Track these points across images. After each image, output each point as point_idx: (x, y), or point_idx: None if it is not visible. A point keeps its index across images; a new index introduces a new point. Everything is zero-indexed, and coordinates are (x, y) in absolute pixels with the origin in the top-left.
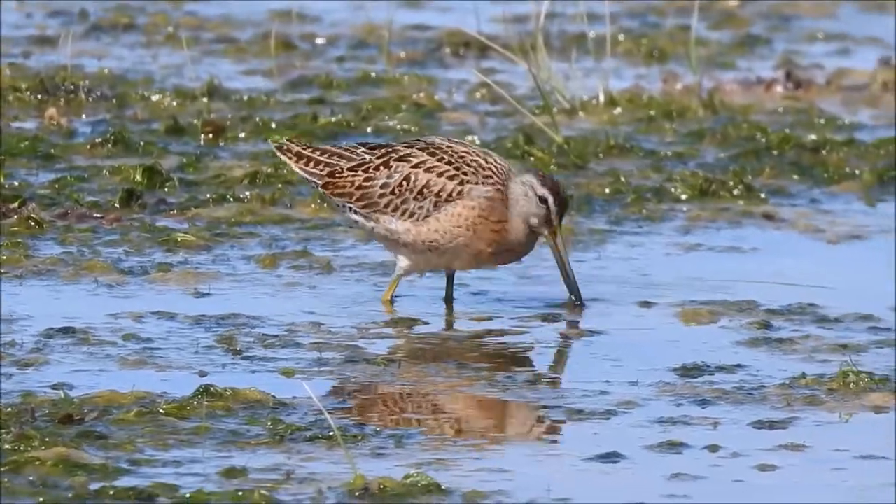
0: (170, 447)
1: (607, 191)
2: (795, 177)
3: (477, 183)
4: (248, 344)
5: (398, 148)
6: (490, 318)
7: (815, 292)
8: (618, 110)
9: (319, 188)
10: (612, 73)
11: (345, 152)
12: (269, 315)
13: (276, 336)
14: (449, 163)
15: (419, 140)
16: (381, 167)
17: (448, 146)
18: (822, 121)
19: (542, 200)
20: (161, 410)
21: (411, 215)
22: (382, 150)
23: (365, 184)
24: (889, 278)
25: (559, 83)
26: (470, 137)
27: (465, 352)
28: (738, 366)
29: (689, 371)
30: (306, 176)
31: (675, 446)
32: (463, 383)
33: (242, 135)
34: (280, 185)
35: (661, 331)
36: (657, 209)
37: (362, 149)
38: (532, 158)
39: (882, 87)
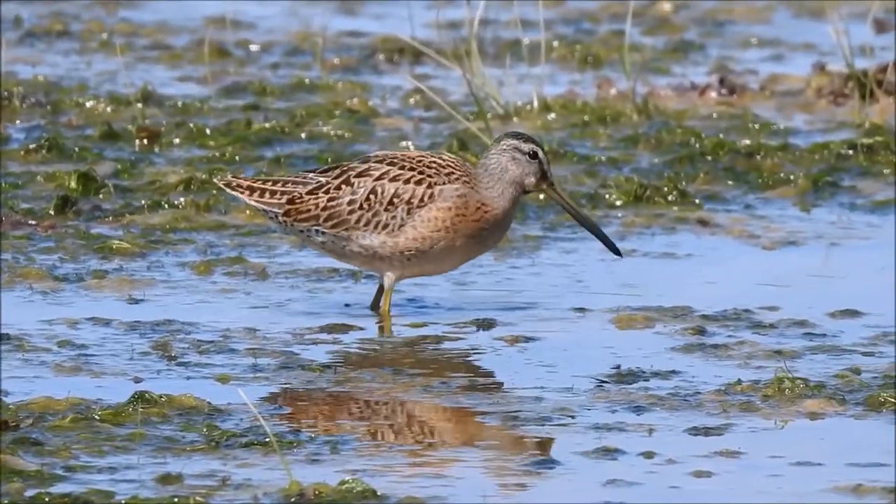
0: (105, 453)
1: (541, 197)
2: (730, 182)
3: (444, 183)
4: (182, 350)
5: (353, 165)
6: (425, 325)
7: (750, 298)
8: (552, 116)
9: (280, 217)
10: (546, 78)
11: (297, 179)
12: (204, 321)
13: (211, 342)
14: (411, 168)
15: (369, 156)
16: (343, 185)
17: (402, 155)
18: (757, 126)
19: (533, 155)
20: (96, 417)
21: (385, 227)
22: (337, 171)
23: (330, 203)
24: (824, 284)
25: (493, 89)
26: (404, 143)
27: (400, 358)
28: (674, 372)
29: (625, 377)
30: (264, 208)
31: (610, 453)
32: (398, 389)
33: (177, 141)
34: (215, 192)
35: (596, 337)
36: (591, 215)
37: (311, 174)
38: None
39: (816, 93)
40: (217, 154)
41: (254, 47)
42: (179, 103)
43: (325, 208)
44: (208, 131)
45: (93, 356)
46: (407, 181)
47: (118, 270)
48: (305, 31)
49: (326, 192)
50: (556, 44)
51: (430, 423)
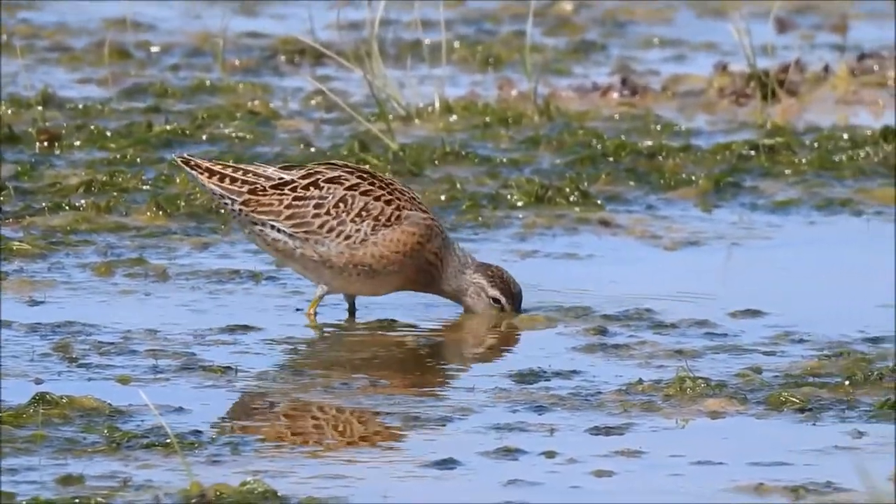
0: (5, 455)
1: (443, 198)
2: (632, 183)
3: (412, 209)
4: (83, 352)
5: (319, 169)
6: (325, 326)
7: (652, 298)
8: (453, 117)
9: (236, 205)
10: (447, 80)
11: (257, 170)
12: (105, 323)
13: (112, 343)
14: (381, 187)
15: (335, 163)
16: (311, 187)
17: (373, 171)
18: (659, 127)
19: (496, 301)
20: None
21: (347, 237)
22: (304, 171)
23: (295, 203)
24: (725, 284)
25: (394, 90)
26: (303, 146)
27: (301, 359)
28: (575, 372)
29: (526, 377)
30: (220, 192)
31: (511, 453)
32: (299, 390)
33: (77, 143)
34: (115, 194)
35: (497, 337)
36: (493, 216)
37: (272, 168)
38: (368, 166)
39: (718, 93)
40: (118, 156)
41: (154, 49)
42: (80, 105)
43: (288, 206)
44: (109, 133)
45: None
46: (377, 198)
47: (18, 272)
48: (206, 33)
49: (293, 190)
50: (457, 45)
51: (330, 423)
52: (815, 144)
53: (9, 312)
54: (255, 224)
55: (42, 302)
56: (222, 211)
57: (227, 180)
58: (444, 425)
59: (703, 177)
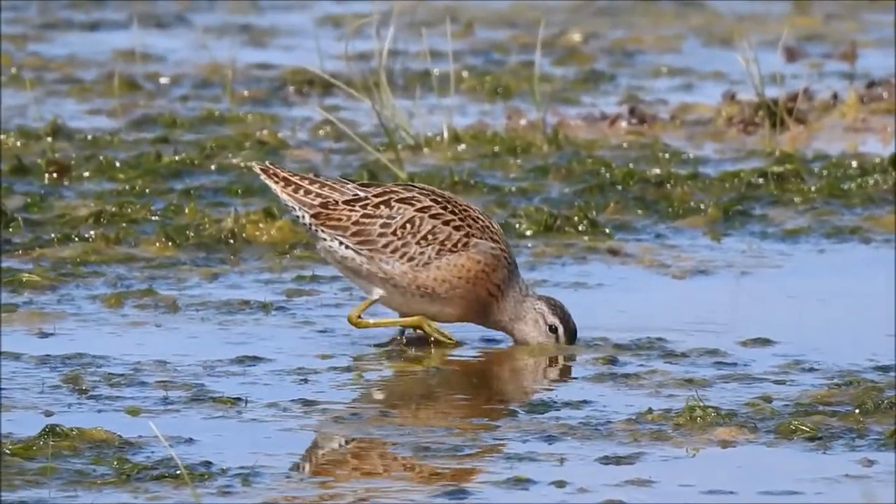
0: (16, 487)
1: None
2: (640, 212)
3: (481, 238)
4: (93, 383)
5: (395, 189)
6: (333, 356)
7: (662, 327)
8: (462, 147)
9: (307, 218)
10: (456, 109)
11: (334, 185)
12: (115, 354)
13: (122, 375)
14: (453, 213)
15: (413, 185)
16: (382, 206)
17: (450, 196)
18: (667, 155)
19: (553, 329)
20: (7, 451)
21: (410, 259)
22: (379, 189)
23: (363, 220)
24: (735, 313)
25: (403, 120)
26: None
27: (311, 389)
28: (585, 401)
29: (536, 407)
30: (293, 203)
31: (521, 482)
32: (310, 420)
33: (87, 174)
34: (125, 224)
35: (508, 366)
36: None
37: (352, 185)
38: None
39: (726, 122)
40: (127, 187)
41: (163, 80)
42: (89, 136)
43: (356, 222)
44: (118, 164)
45: (3, 390)
46: (447, 222)
47: (28, 304)
48: (215, 64)
49: (363, 207)
50: (465, 74)
51: (341, 454)
52: (824, 172)
53: (19, 344)
54: (325, 239)
55: (52, 334)
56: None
57: (301, 192)
58: (454, 455)
59: (712, 205)
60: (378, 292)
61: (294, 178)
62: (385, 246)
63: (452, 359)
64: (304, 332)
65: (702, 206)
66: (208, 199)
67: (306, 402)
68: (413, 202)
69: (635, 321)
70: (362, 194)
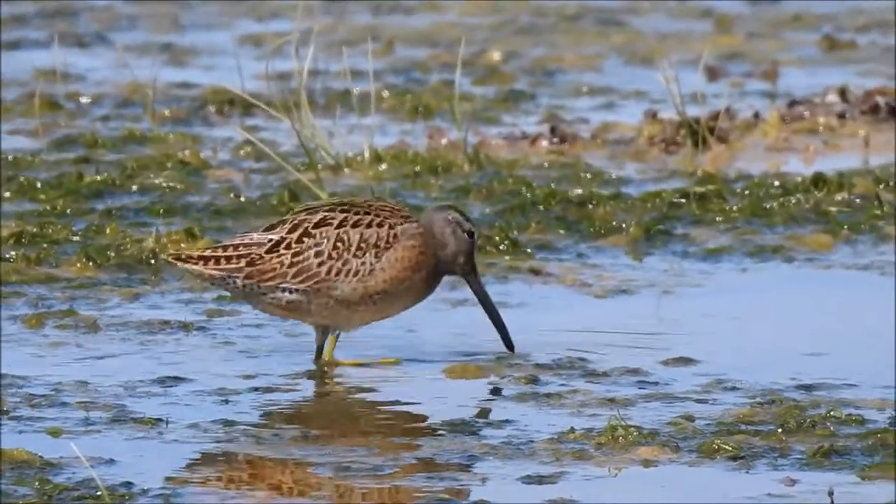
0: None
1: None
2: (562, 231)
3: (401, 223)
4: (14, 404)
5: (303, 217)
6: (256, 376)
7: (583, 347)
8: (383, 166)
9: (241, 281)
10: (376, 129)
11: (244, 241)
12: (36, 375)
13: (43, 396)
14: (366, 213)
15: (312, 205)
16: (303, 238)
17: (349, 200)
18: (589, 175)
19: (470, 234)
20: None
21: (356, 273)
22: (288, 225)
23: (296, 259)
24: (657, 332)
25: (324, 140)
26: (233, 196)
27: (231, 409)
28: (507, 421)
29: (458, 426)
30: (223, 274)
31: (443, 502)
32: (230, 441)
33: (7, 195)
34: (46, 245)
35: (429, 387)
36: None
37: (255, 235)
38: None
39: (648, 141)
40: (48, 207)
41: (84, 100)
42: (10, 157)
43: (291, 264)
44: (39, 185)
45: None
46: (368, 225)
47: None
48: (135, 83)
49: (288, 248)
50: (386, 94)
51: (260, 474)
52: (747, 191)
53: None
54: (264, 294)
55: None
56: (229, 294)
57: (223, 261)
58: (375, 475)
59: (634, 225)
60: (324, 320)
61: (208, 253)
62: (329, 272)
63: (374, 378)
64: (224, 353)
65: (623, 226)
66: (130, 219)
67: (227, 423)
68: (329, 222)
69: (557, 341)
70: (276, 237)
